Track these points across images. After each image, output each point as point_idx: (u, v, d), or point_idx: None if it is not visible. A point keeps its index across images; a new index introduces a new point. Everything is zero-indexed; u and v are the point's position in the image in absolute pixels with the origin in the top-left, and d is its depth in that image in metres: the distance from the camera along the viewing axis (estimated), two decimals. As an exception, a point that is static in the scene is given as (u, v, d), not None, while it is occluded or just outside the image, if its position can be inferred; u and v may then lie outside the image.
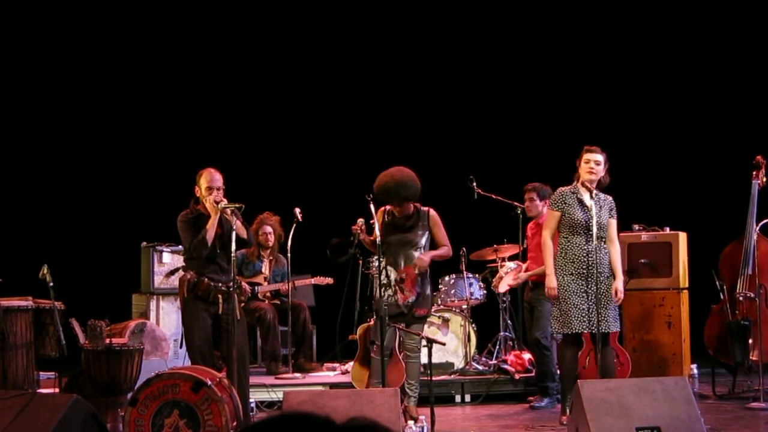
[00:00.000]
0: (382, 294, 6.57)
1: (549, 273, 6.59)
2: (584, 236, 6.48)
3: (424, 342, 6.25)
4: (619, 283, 6.50)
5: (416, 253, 6.57)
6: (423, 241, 6.59)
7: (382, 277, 6.55)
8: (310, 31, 10.81)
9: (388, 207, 6.67)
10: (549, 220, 6.69)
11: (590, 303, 6.40)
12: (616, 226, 6.69)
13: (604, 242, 6.51)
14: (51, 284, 6.07)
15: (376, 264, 6.58)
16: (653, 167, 10.35)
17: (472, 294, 8.41)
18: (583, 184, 6.52)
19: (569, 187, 6.64)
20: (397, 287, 6.56)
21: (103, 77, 10.46)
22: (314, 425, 1.68)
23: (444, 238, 6.68)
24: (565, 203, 6.56)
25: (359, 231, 6.43)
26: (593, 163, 6.52)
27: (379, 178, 6.56)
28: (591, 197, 6.46)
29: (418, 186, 6.53)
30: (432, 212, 6.70)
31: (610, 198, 6.66)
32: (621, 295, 6.50)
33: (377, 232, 6.33)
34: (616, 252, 6.59)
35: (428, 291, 6.71)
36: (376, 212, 6.50)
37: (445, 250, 6.68)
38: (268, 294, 8.71)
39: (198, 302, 6.41)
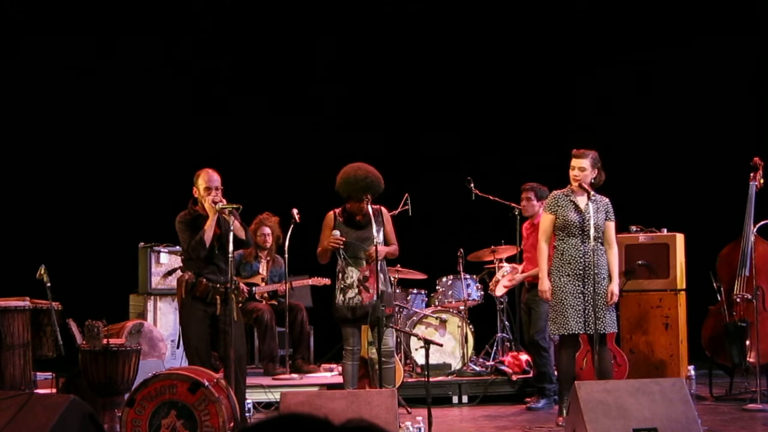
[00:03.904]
0: (345, 297, 6.44)
1: (542, 276, 6.62)
2: (579, 237, 6.50)
3: (421, 343, 6.23)
4: (614, 285, 6.52)
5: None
6: (381, 236, 6.48)
7: (346, 278, 6.45)
8: (309, 32, 10.81)
9: (337, 210, 6.58)
10: (543, 224, 6.71)
11: (586, 304, 6.42)
12: (614, 228, 6.69)
13: (601, 244, 6.53)
14: (48, 285, 6.07)
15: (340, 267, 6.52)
16: (651, 168, 10.36)
17: (469, 295, 8.42)
18: (580, 186, 6.56)
19: (563, 190, 6.67)
20: (360, 286, 6.41)
21: (101, 78, 10.45)
22: (311, 426, 1.68)
23: (394, 236, 6.62)
24: (558, 206, 6.59)
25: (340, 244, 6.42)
26: (577, 170, 6.56)
27: (352, 173, 6.41)
28: (588, 199, 6.49)
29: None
30: (384, 209, 6.65)
31: (607, 200, 6.65)
32: (615, 298, 6.54)
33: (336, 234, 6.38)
34: (613, 255, 6.60)
35: (390, 289, 6.60)
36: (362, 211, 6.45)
37: (395, 248, 6.60)
38: (266, 295, 8.70)
39: (196, 303, 6.39)
